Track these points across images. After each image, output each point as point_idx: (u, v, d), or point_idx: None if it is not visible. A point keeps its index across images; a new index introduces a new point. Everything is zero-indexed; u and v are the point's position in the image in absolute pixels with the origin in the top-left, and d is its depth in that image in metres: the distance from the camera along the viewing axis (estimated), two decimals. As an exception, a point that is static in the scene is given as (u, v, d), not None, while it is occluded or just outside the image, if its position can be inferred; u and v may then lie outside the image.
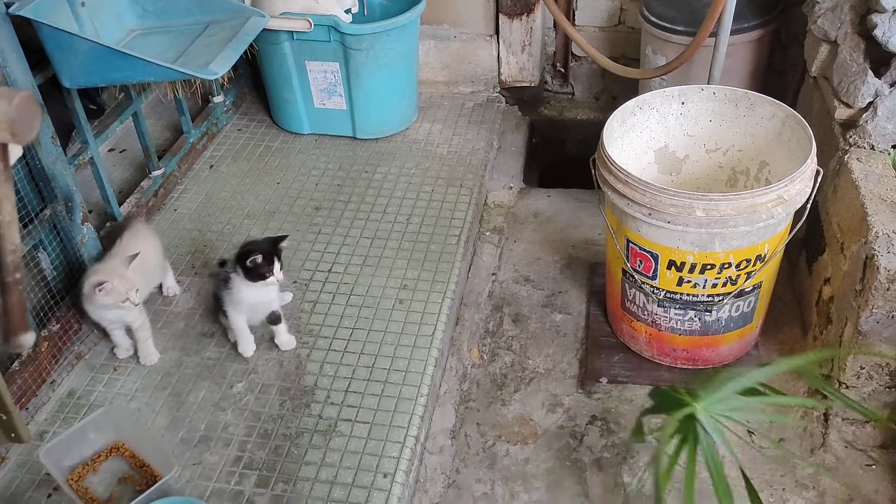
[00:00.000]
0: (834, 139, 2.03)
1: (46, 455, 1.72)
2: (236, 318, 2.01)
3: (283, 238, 1.95)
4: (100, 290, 1.84)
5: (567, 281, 2.43)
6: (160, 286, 2.24)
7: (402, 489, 1.78)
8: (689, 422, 1.44)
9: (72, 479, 1.77)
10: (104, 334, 2.09)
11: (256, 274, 1.89)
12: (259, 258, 1.87)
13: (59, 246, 2.03)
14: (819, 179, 1.80)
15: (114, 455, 1.83)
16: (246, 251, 1.90)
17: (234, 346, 2.08)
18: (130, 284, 1.89)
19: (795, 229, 1.84)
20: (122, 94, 2.39)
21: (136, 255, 1.92)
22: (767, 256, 1.82)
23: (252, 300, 1.97)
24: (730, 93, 1.99)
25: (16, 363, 1.90)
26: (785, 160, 1.93)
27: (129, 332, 2.04)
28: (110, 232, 2.19)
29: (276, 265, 1.90)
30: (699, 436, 1.42)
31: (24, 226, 1.91)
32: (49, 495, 1.76)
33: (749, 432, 1.94)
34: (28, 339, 0.72)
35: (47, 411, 1.95)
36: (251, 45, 2.14)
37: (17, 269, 0.68)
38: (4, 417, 1.28)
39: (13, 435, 1.31)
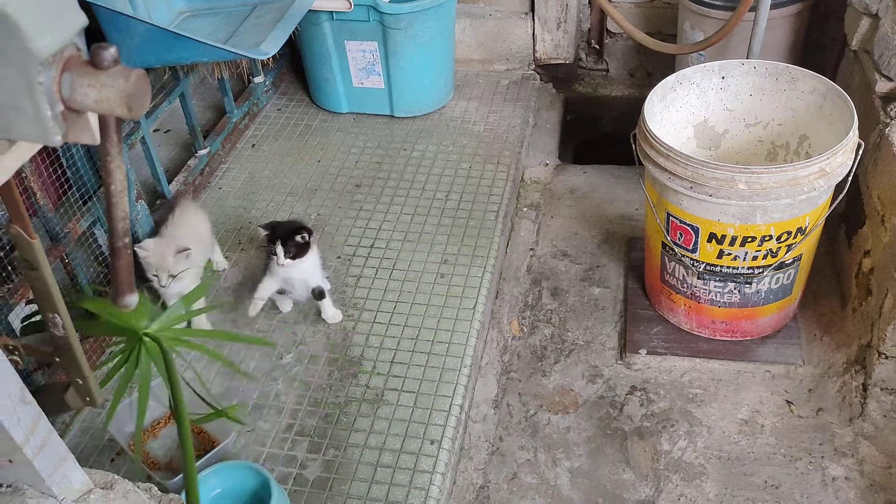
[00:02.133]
0: (874, 112, 2.03)
1: (110, 421, 1.80)
2: (265, 282, 2.08)
3: (301, 230, 1.98)
4: (138, 250, 1.93)
5: (605, 255, 2.46)
6: (208, 262, 2.31)
7: (449, 455, 1.84)
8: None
9: (132, 445, 1.85)
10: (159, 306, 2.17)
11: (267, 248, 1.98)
12: (263, 232, 1.96)
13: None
14: (860, 152, 1.81)
15: (172, 422, 1.91)
16: (267, 224, 2.01)
17: (283, 318, 2.15)
18: (164, 266, 1.95)
19: (836, 202, 1.86)
20: (168, 74, 2.45)
21: (188, 251, 1.97)
22: (808, 229, 1.85)
23: (286, 275, 2.04)
24: (771, 67, 2.01)
25: (77, 335, 1.99)
26: (826, 134, 1.94)
27: None
28: (160, 209, 2.26)
29: (279, 249, 1.94)
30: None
31: (84, 203, 1.99)
32: (112, 459, 1.85)
33: (788, 402, 1.97)
34: (133, 299, 0.78)
35: (107, 381, 2.03)
36: (294, 25, 2.18)
37: (126, 235, 0.74)
38: (80, 382, 1.35)
39: (88, 399, 1.38)
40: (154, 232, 2.16)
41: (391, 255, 2.37)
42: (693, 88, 2.07)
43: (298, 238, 1.98)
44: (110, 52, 0.65)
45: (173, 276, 1.95)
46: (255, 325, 2.16)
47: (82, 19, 0.67)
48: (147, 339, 1.42)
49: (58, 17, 0.65)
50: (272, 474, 1.71)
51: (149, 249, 1.94)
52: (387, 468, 1.80)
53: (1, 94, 0.65)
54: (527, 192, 2.75)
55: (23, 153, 0.76)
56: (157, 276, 1.95)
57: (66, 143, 1.90)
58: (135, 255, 2.01)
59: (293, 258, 1.98)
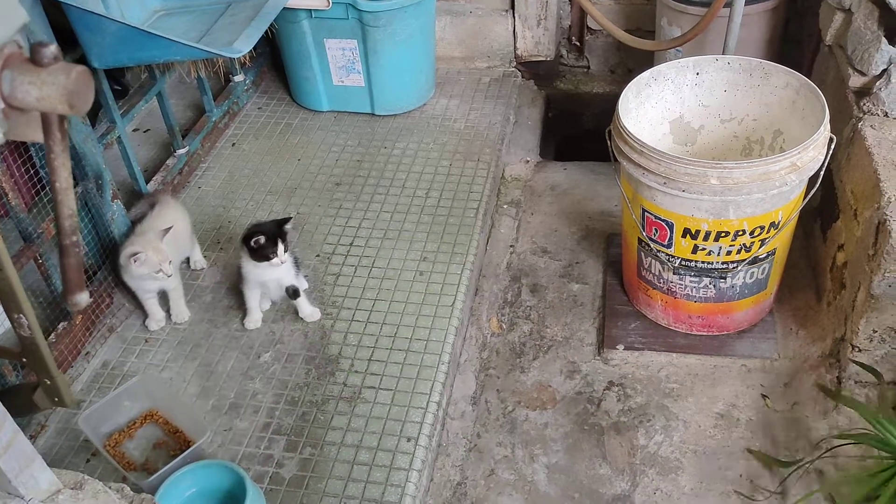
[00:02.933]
0: (848, 107, 2.04)
1: (84, 422, 1.80)
2: (248, 293, 2.10)
3: (287, 220, 2.00)
4: (135, 261, 1.94)
5: (584, 252, 2.47)
6: (187, 260, 2.30)
7: (426, 452, 1.84)
8: None
9: (109, 445, 1.84)
10: (136, 306, 2.17)
11: (261, 255, 1.96)
12: (262, 239, 1.94)
13: (91, 222, 2.10)
14: (832, 147, 1.82)
15: (148, 422, 1.90)
16: (251, 232, 1.96)
17: (261, 316, 2.15)
18: (164, 256, 1.98)
19: (809, 196, 1.87)
20: (146, 74, 2.44)
21: (170, 228, 2.00)
22: (781, 223, 1.86)
23: (260, 279, 2.04)
24: (744, 62, 2.01)
25: (52, 335, 1.98)
26: (799, 129, 1.95)
27: (162, 302, 2.13)
28: (138, 205, 2.26)
29: (280, 247, 1.95)
30: None
31: (58, 203, 1.99)
32: (88, 460, 1.85)
33: (763, 396, 1.98)
34: (83, 298, 0.78)
35: (83, 381, 2.03)
36: (270, 23, 2.18)
37: (74, 233, 0.73)
38: (49, 382, 1.34)
39: (57, 399, 1.37)
40: (130, 231, 2.15)
41: (370, 253, 2.37)
42: (668, 84, 2.07)
43: (288, 226, 1.99)
44: (50, 49, 0.65)
45: (170, 262, 1.99)
46: (232, 324, 2.15)
47: (23, 17, 0.67)
48: None
49: (-3, 15, 0.65)
50: (248, 473, 1.71)
51: (143, 250, 1.95)
52: (363, 466, 1.80)
53: (-61, 92, 0.64)
54: (507, 190, 2.75)
55: (-31, 152, 0.76)
56: (161, 270, 1.97)
57: (37, 143, 1.88)
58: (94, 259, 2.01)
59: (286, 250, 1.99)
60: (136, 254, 1.94)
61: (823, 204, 2.19)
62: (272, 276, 2.02)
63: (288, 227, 1.99)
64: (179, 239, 2.15)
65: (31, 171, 1.89)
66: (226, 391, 1.98)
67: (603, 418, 1.99)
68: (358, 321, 2.15)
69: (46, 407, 1.41)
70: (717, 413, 1.96)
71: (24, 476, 1.24)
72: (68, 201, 0.71)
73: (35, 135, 0.72)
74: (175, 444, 1.85)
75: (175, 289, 2.12)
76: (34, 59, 0.66)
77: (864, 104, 1.98)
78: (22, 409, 1.53)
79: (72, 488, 1.35)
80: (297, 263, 2.12)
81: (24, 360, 1.31)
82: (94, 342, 2.09)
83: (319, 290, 2.25)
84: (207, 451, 1.83)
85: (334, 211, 2.53)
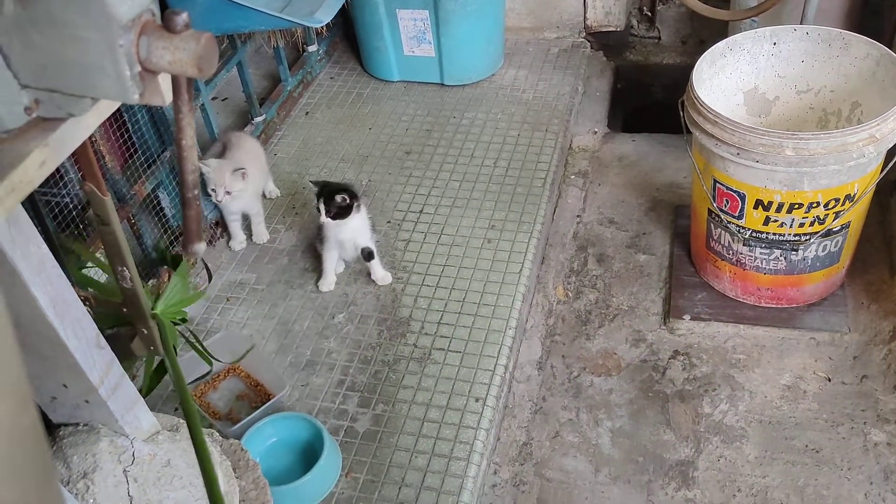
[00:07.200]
0: (931, 78, 1.99)
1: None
2: (326, 255, 2.19)
3: (342, 191, 2.04)
4: (202, 165, 2.14)
5: (651, 223, 2.48)
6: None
7: (493, 412, 1.90)
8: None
9: (195, 395, 1.96)
10: (216, 268, 2.28)
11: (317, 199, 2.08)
12: (313, 187, 2.09)
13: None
14: (913, 119, 1.79)
15: (231, 375, 2.01)
16: (318, 182, 2.10)
17: (335, 279, 2.24)
18: (221, 182, 2.15)
19: (886, 169, 1.85)
20: (226, 43, 2.53)
21: (243, 170, 2.18)
22: (857, 196, 1.84)
23: (338, 236, 2.12)
24: (823, 33, 1.98)
25: (142, 292, 2.10)
26: (878, 100, 1.92)
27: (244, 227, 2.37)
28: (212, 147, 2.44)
29: (322, 207, 2.04)
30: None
31: (148, 167, 2.10)
32: (175, 409, 1.96)
33: (827, 378, 1.98)
34: (201, 247, 0.85)
35: (170, 336, 2.14)
36: (346, -6, 2.24)
37: (196, 187, 0.80)
38: (146, 332, 1.45)
39: (152, 347, 1.48)
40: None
41: (439, 220, 2.42)
42: (743, 55, 2.06)
43: (338, 199, 2.04)
44: (182, 17, 0.71)
45: (228, 193, 2.16)
46: (307, 286, 2.24)
47: (157, -13, 0.74)
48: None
49: (136, -14, 0.72)
50: (325, 426, 1.80)
51: (211, 167, 2.15)
52: (433, 423, 1.87)
53: (87, 55, 0.72)
54: (575, 160, 2.77)
55: (102, 111, 0.83)
56: (215, 190, 2.15)
57: (131, 109, 1.99)
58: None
59: (333, 217, 2.05)
60: (206, 165, 2.14)
61: (901, 178, 2.16)
62: (348, 234, 2.10)
63: (338, 199, 2.03)
64: (258, 168, 2.36)
65: (125, 136, 1.99)
66: (302, 349, 2.08)
67: (668, 386, 2.02)
68: (428, 286, 2.22)
69: (142, 353, 1.51)
70: (784, 385, 1.97)
71: (128, 416, 1.35)
72: (192, 157, 0.78)
73: (159, 99, 0.79)
74: (256, 396, 1.96)
75: (256, 213, 2.36)
76: (167, 26, 0.72)
77: (949, 75, 1.93)
78: (119, 355, 1.65)
79: (169, 430, 1.46)
80: (373, 227, 2.19)
81: (125, 309, 1.42)
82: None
83: (391, 255, 2.32)
84: (286, 404, 1.93)
85: (404, 179, 2.59)
